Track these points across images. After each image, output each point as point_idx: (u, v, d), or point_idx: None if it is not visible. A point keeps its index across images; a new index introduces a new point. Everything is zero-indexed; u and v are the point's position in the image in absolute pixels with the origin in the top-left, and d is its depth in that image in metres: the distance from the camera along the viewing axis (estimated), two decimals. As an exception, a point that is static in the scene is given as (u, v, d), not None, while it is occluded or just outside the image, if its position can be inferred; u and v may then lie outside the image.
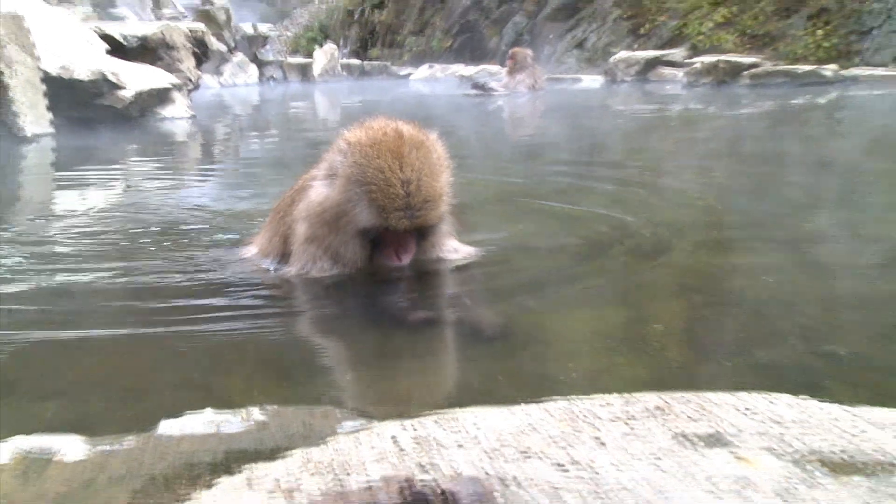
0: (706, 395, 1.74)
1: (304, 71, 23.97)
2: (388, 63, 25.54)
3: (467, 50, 25.60)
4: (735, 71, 19.15)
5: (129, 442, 2.06)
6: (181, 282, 3.97)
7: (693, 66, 19.79)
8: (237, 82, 22.09)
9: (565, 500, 1.31)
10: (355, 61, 25.55)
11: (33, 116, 8.99)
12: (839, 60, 19.00)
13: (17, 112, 8.69)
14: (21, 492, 1.76)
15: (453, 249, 4.05)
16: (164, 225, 5.40)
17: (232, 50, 22.52)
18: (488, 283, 3.91)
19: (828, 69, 18.34)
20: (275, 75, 23.77)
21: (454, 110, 15.27)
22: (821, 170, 7.78)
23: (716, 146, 10.17)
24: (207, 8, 21.72)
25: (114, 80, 10.82)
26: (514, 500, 1.30)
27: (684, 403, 1.69)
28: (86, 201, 6.69)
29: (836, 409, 1.67)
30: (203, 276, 4.09)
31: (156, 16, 19.80)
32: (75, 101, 10.28)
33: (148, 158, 9.25)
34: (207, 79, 18.93)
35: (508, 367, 2.91)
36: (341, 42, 27.59)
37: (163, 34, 13.84)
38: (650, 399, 1.72)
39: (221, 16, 21.89)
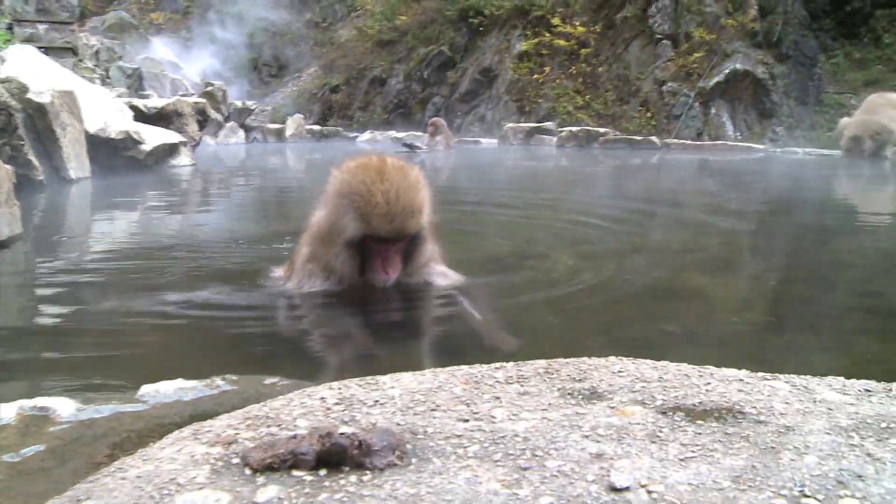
0: (584, 360, 1.54)
1: (279, 134, 23.68)
2: (341, 129, 25.28)
3: (399, 120, 25.66)
4: (591, 138, 19.55)
5: (113, 404, 1.83)
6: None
7: (562, 134, 20.14)
8: (229, 142, 21.73)
9: (467, 448, 1.09)
10: (317, 127, 25.22)
11: (77, 164, 9.02)
12: (660, 134, 19.66)
13: (66, 161, 8.73)
14: (21, 445, 1.57)
15: (441, 273, 3.39)
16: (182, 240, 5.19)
17: (226, 118, 22.43)
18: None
19: (655, 139, 18.92)
20: (257, 137, 23.36)
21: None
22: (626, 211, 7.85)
23: (567, 188, 10.21)
24: (209, 89, 22.14)
25: (137, 137, 10.89)
26: (422, 448, 1.09)
27: (567, 366, 1.49)
28: (123, 223, 6.54)
29: (687, 368, 1.49)
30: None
31: (172, 94, 19.72)
32: (108, 153, 10.32)
33: (163, 192, 9.26)
34: (207, 139, 18.69)
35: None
36: (307, 114, 27.25)
37: (174, 106, 13.73)
38: (539, 363, 1.52)
39: (219, 94, 22.28)
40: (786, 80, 20.25)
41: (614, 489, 0.96)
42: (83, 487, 1.06)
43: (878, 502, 0.93)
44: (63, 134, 8.62)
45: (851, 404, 1.28)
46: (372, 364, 2.61)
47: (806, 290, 3.73)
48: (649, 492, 0.95)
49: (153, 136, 11.42)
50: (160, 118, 13.01)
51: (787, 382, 1.40)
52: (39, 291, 3.67)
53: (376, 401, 1.29)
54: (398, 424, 1.17)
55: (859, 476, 0.99)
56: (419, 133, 21.65)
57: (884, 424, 1.18)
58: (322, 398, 1.32)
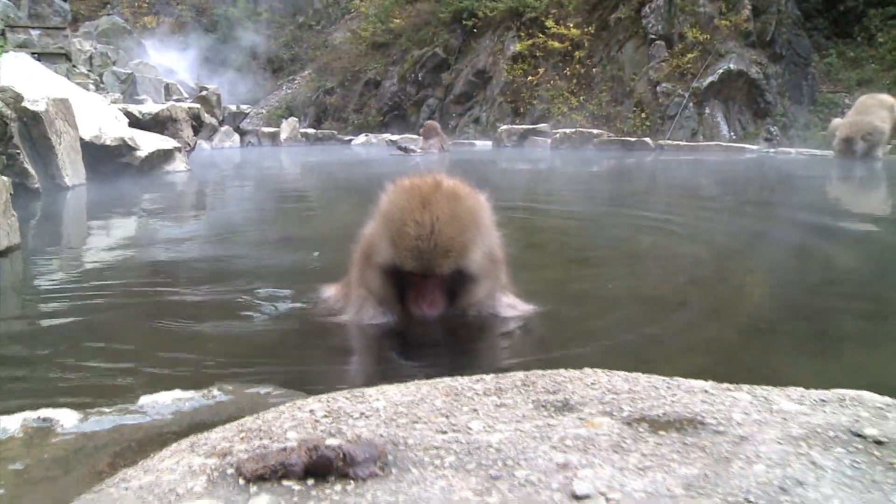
0: (560, 371, 1.64)
1: (274, 138, 23.67)
2: (335, 132, 25.30)
3: (394, 123, 25.69)
4: (585, 139, 19.63)
5: (113, 415, 1.91)
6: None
7: (556, 136, 20.19)
8: (224, 146, 21.73)
9: (444, 458, 1.19)
10: (311, 131, 25.26)
11: (72, 171, 9.07)
12: (654, 135, 19.77)
13: (62, 168, 8.78)
14: (25, 456, 1.64)
15: (509, 305, 3.01)
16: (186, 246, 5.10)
17: (221, 123, 22.45)
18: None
19: (649, 140, 19.02)
20: (252, 141, 23.37)
21: (383, 165, 15.21)
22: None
23: (562, 186, 10.32)
24: (204, 93, 22.11)
25: (132, 144, 10.90)
26: (402, 459, 1.19)
27: (543, 378, 1.59)
28: (120, 231, 6.52)
29: (657, 379, 1.58)
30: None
31: (166, 99, 19.83)
32: (103, 159, 10.37)
33: (159, 198, 9.24)
34: (202, 143, 18.68)
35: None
36: (302, 117, 27.31)
37: (169, 111, 13.78)
38: (517, 375, 1.62)
39: (213, 98, 22.35)
40: (780, 79, 20.41)
41: (576, 497, 1.05)
42: (88, 498, 1.15)
43: (814, 507, 1.02)
44: (58, 141, 8.68)
45: (805, 414, 1.38)
46: (360, 377, 2.69)
47: (796, 295, 3.81)
48: (608, 499, 1.05)
49: (148, 143, 11.49)
50: (155, 124, 13.12)
51: (748, 393, 1.50)
52: (39, 303, 3.74)
53: (362, 413, 1.38)
54: (381, 436, 1.27)
55: (800, 483, 1.09)
56: (414, 136, 21.71)
57: (831, 434, 1.27)
58: (311, 411, 1.41)
